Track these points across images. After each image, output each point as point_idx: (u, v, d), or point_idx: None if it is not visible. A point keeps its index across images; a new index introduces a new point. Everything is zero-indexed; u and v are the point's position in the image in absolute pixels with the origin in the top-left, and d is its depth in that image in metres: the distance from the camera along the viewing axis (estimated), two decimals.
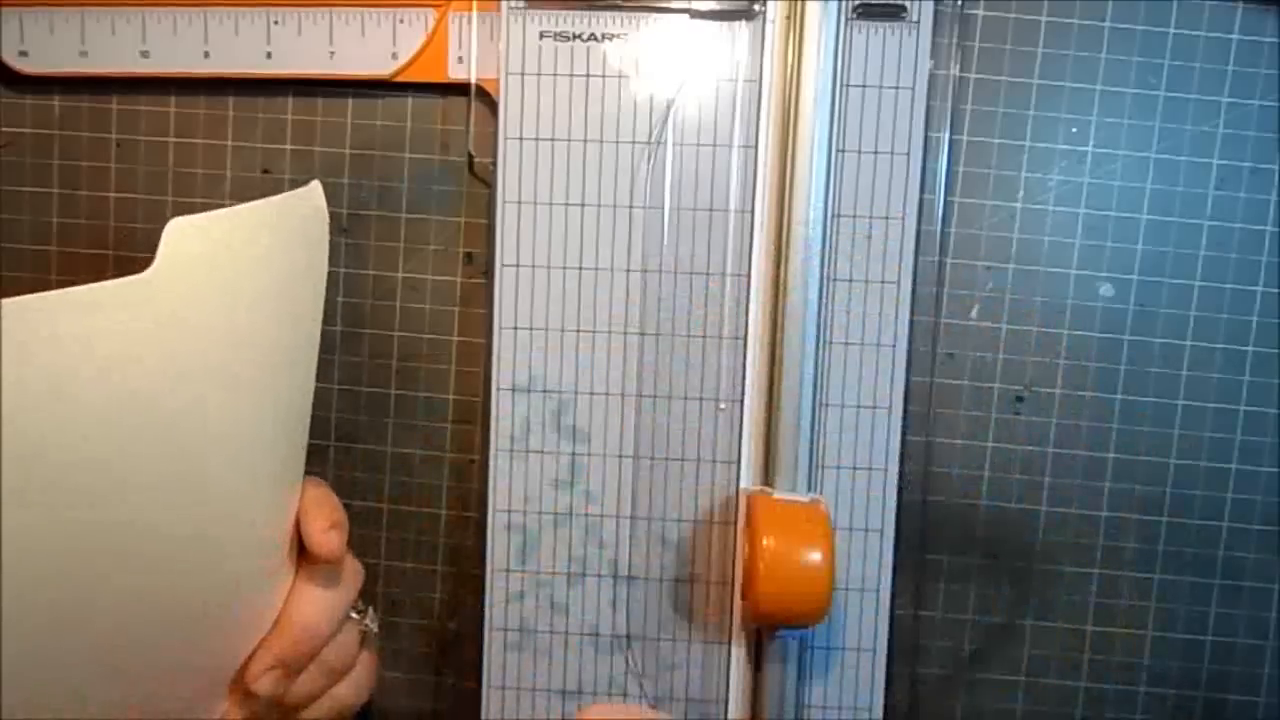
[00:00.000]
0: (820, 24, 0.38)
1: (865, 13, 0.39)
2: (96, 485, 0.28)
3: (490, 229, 0.40)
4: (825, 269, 0.39)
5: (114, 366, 0.27)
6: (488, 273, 0.41)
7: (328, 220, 0.35)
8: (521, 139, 0.40)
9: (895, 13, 0.39)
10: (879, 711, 0.41)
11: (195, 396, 0.30)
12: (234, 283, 0.30)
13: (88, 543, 0.29)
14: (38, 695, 0.31)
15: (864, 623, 0.40)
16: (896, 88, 0.39)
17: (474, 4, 0.39)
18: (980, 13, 0.40)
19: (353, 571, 0.37)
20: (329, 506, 0.36)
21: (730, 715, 0.41)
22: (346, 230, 0.42)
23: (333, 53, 0.40)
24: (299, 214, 0.33)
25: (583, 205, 0.40)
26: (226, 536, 0.33)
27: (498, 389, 0.41)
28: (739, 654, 0.41)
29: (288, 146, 0.42)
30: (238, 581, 0.34)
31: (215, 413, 0.31)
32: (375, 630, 0.38)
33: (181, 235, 0.28)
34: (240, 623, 0.35)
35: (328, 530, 0.35)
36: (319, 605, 0.35)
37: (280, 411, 0.34)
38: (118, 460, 0.28)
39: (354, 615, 0.37)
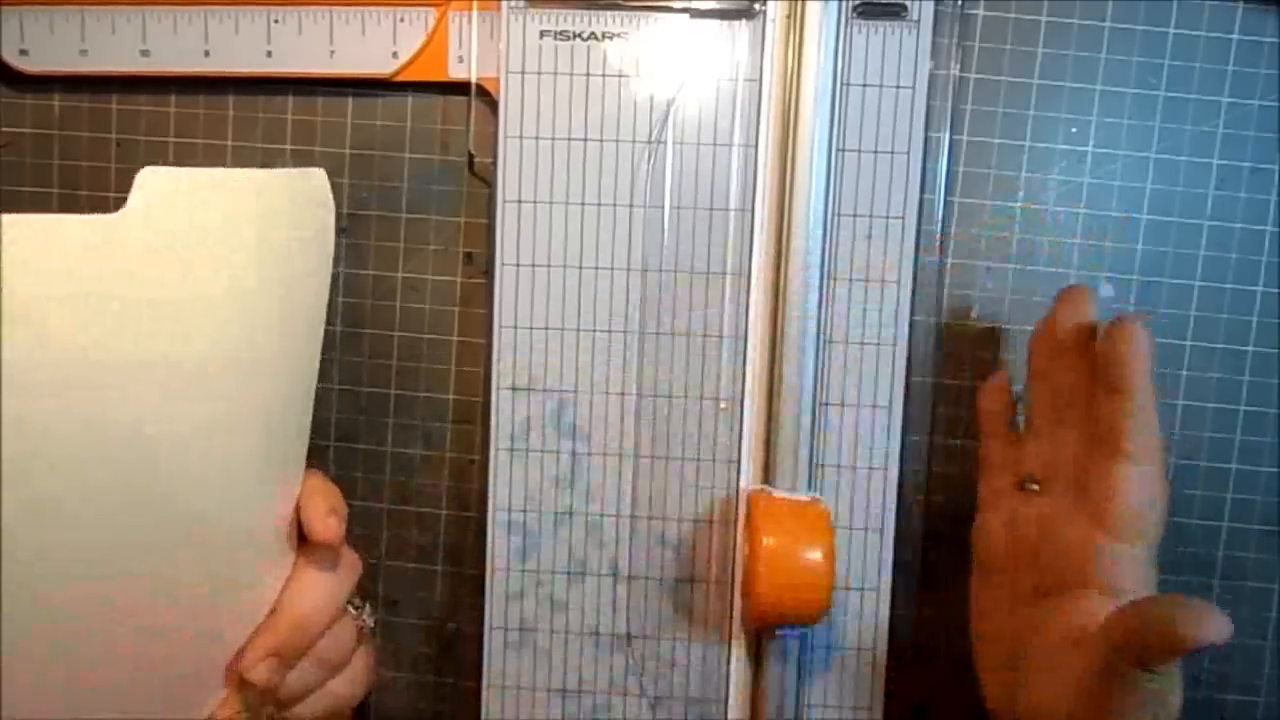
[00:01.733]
0: (820, 24, 0.38)
1: (865, 12, 0.39)
2: (68, 420, 0.29)
3: (490, 229, 0.40)
4: (825, 269, 0.39)
5: (85, 298, 0.28)
6: (488, 272, 0.41)
7: (331, 205, 0.34)
8: (521, 138, 0.40)
9: (895, 12, 0.39)
10: (879, 711, 0.41)
11: (170, 343, 0.30)
12: (215, 242, 0.30)
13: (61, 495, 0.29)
14: (23, 672, 0.31)
15: (864, 623, 0.40)
16: (896, 87, 0.39)
17: (474, 3, 0.39)
18: (980, 13, 0.40)
19: (350, 563, 0.37)
20: (329, 493, 0.36)
21: (730, 715, 0.41)
22: (346, 230, 0.42)
23: (333, 52, 0.40)
24: (295, 190, 0.33)
25: (583, 205, 0.40)
26: (215, 517, 0.33)
27: (498, 388, 0.40)
28: (739, 654, 0.41)
29: (288, 146, 0.42)
30: (231, 565, 0.34)
31: (196, 372, 0.31)
32: (373, 626, 0.38)
33: (154, 182, 0.29)
34: (235, 610, 0.35)
35: (327, 516, 0.35)
36: (315, 595, 0.35)
37: (275, 391, 0.33)
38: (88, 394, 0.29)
39: (351, 610, 0.37)
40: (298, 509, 0.35)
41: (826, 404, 0.40)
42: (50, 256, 0.27)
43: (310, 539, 0.35)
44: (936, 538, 0.42)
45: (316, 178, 0.34)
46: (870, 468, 0.40)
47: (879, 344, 0.40)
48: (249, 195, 0.31)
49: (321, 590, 0.35)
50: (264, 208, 0.32)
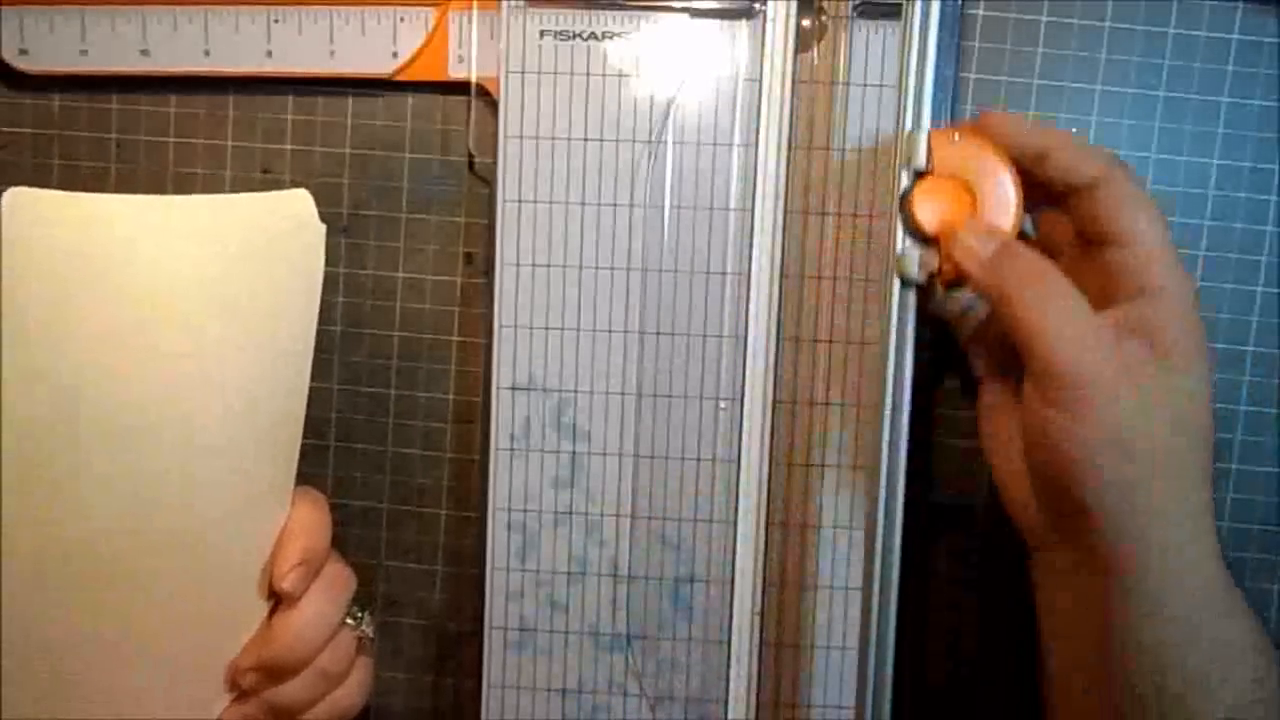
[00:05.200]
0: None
1: (865, 12, 0.39)
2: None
3: (490, 228, 0.40)
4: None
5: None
6: (488, 272, 0.41)
7: (318, 226, 0.34)
8: (522, 138, 0.40)
9: (895, 12, 0.39)
10: (879, 711, 0.41)
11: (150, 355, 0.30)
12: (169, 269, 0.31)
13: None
14: (27, 672, 0.31)
15: (864, 623, 0.40)
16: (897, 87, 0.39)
17: (474, 2, 0.39)
18: (980, 13, 0.40)
19: (344, 579, 0.37)
20: (310, 533, 0.36)
21: (730, 715, 0.41)
22: (346, 230, 0.42)
23: (333, 51, 0.40)
24: (274, 214, 0.33)
25: (583, 204, 0.40)
26: (213, 528, 0.33)
27: (498, 388, 0.41)
28: (739, 654, 0.41)
29: (288, 146, 0.42)
30: (233, 571, 0.34)
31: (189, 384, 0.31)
32: (372, 636, 0.38)
33: (18, 204, 0.29)
34: (238, 616, 0.35)
35: (295, 566, 0.35)
36: (306, 614, 0.35)
37: (264, 402, 0.34)
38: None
39: (350, 622, 0.37)
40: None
41: (827, 403, 0.40)
42: None
43: (273, 585, 0.35)
44: (936, 538, 0.42)
45: (300, 199, 0.34)
46: (870, 468, 0.40)
47: (879, 344, 0.40)
48: (216, 221, 0.31)
49: (316, 608, 0.36)
50: (235, 234, 0.32)
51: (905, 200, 0.35)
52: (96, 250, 0.30)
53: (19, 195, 0.28)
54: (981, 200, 0.35)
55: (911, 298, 0.36)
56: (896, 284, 0.36)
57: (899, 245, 0.35)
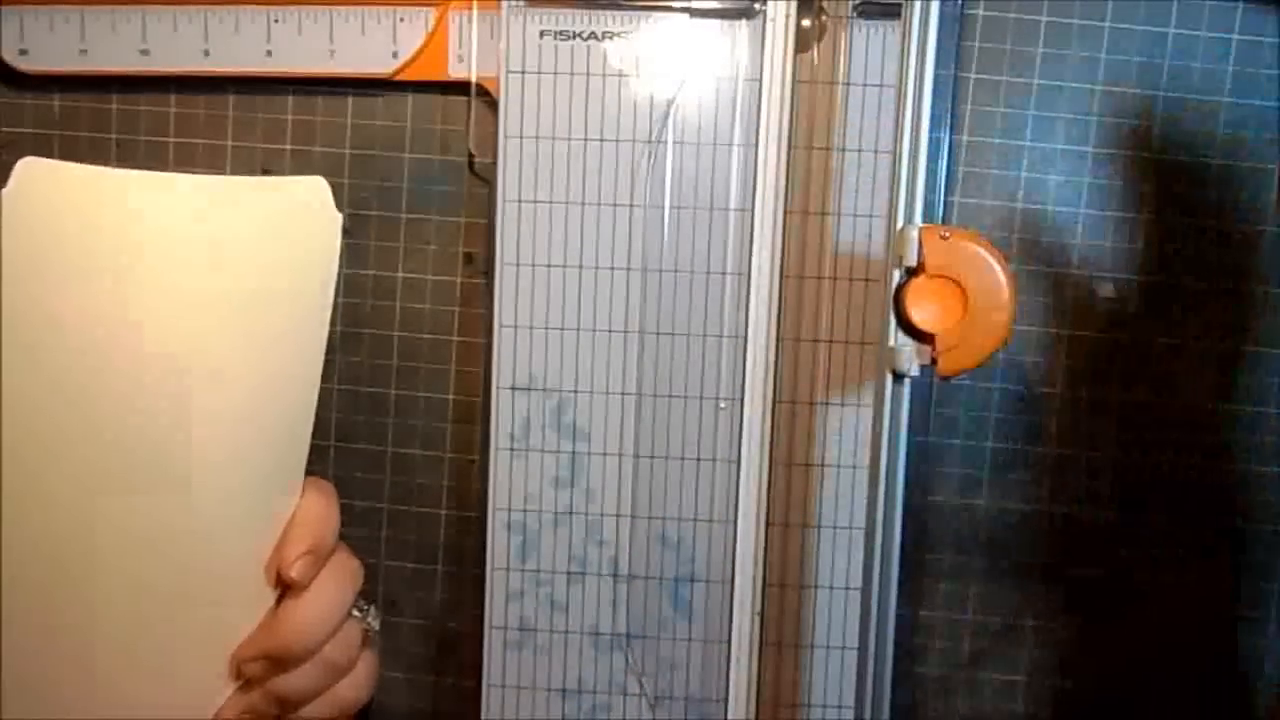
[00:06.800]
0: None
1: (865, 12, 0.39)
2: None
3: (490, 228, 0.40)
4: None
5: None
6: (488, 272, 0.41)
7: (335, 215, 0.34)
8: (522, 138, 0.40)
9: (895, 12, 0.39)
10: (880, 712, 0.41)
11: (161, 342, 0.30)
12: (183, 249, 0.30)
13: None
14: (25, 671, 0.31)
15: (863, 623, 0.40)
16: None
17: (474, 2, 0.39)
18: (980, 13, 0.40)
19: (352, 570, 0.37)
20: (317, 524, 0.35)
21: (730, 715, 0.41)
22: (346, 230, 0.41)
23: (333, 51, 0.40)
24: (291, 200, 0.33)
25: (583, 204, 0.40)
26: (217, 519, 0.33)
27: (498, 388, 0.41)
28: (739, 654, 0.41)
29: (288, 146, 0.42)
30: (235, 564, 0.34)
31: (199, 370, 0.31)
32: (377, 629, 0.38)
33: (30, 175, 0.28)
34: (239, 611, 0.35)
35: (302, 556, 0.34)
36: (313, 604, 0.35)
37: (274, 394, 0.33)
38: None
39: (356, 614, 0.37)
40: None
41: (826, 403, 0.40)
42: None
43: (280, 573, 0.35)
44: (936, 538, 0.42)
45: (315, 186, 0.33)
46: (870, 468, 0.40)
47: (879, 344, 0.40)
48: (227, 201, 0.31)
49: (320, 600, 0.36)
50: (247, 215, 0.32)
51: (898, 297, 0.36)
52: (104, 223, 0.30)
53: (30, 165, 0.28)
54: (973, 297, 0.35)
55: (905, 389, 0.36)
56: (889, 377, 0.36)
57: (891, 339, 0.36)
